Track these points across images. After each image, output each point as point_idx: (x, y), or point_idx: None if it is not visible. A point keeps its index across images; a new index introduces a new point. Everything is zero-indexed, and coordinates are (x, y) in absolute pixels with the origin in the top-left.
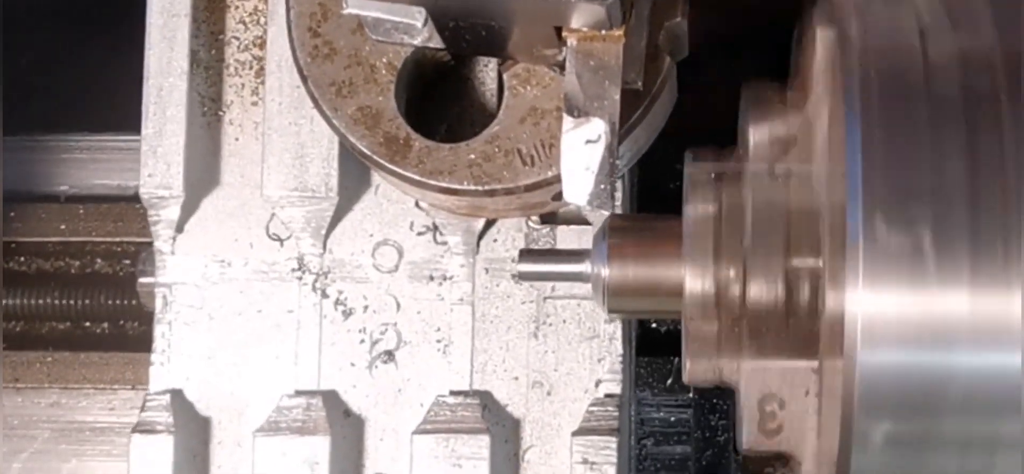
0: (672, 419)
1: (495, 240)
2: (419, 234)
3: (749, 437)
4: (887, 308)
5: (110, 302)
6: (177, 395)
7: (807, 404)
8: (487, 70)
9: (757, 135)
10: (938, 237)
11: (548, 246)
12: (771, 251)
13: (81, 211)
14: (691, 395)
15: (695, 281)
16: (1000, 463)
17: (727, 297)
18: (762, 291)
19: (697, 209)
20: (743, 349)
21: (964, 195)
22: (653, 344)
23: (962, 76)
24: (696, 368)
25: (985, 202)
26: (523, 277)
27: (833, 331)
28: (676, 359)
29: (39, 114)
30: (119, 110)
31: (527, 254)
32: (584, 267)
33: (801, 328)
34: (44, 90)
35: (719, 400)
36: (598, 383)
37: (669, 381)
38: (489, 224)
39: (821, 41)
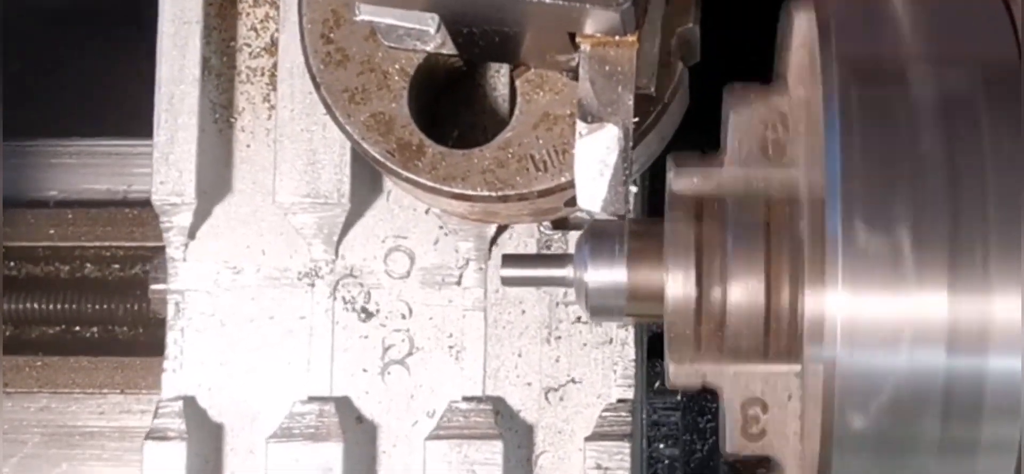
0: (660, 421)
1: (507, 246)
2: (432, 241)
3: (732, 442)
4: (866, 310)
5: (99, 306)
6: (190, 402)
7: (789, 408)
8: (499, 76)
9: (739, 138)
10: (917, 238)
11: (561, 251)
12: (751, 254)
13: (70, 216)
14: (679, 397)
15: (676, 285)
16: (981, 465)
17: (708, 301)
18: (743, 294)
19: (679, 213)
20: (725, 353)
21: (943, 196)
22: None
23: (941, 77)
24: (679, 372)
25: (964, 203)
26: (506, 282)
27: (813, 333)
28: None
29: (28, 119)
30: (109, 115)
31: (510, 259)
32: (566, 271)
33: (783, 331)
34: (34, 95)
35: (708, 401)
36: (611, 386)
37: (658, 383)
38: (501, 230)
39: (799, 41)
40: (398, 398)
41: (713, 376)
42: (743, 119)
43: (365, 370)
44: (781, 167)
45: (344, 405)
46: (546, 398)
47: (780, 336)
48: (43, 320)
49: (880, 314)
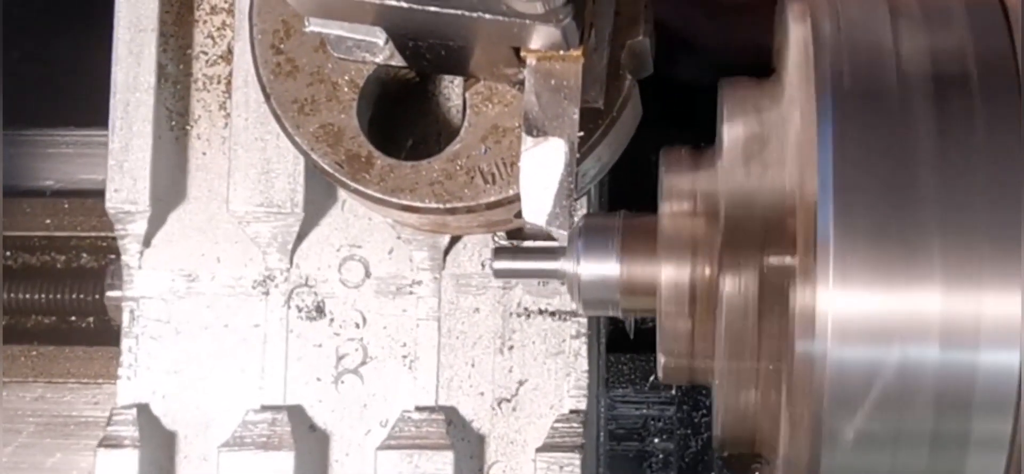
0: (654, 415)
1: (461, 256)
2: (387, 250)
3: (724, 437)
4: (857, 305)
5: (95, 296)
6: (143, 409)
7: (780, 403)
8: (452, 86)
9: (733, 132)
10: (909, 234)
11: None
12: (745, 249)
13: (66, 206)
14: (673, 392)
15: (669, 279)
16: (971, 461)
17: (701, 295)
18: (736, 289)
19: (672, 207)
20: (717, 348)
21: (935, 191)
22: (636, 340)
23: (934, 73)
24: (670, 366)
25: (956, 198)
26: (498, 274)
27: (804, 328)
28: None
29: (25, 109)
30: (106, 105)
31: (502, 252)
32: (559, 265)
33: (775, 326)
34: (31, 85)
35: (702, 396)
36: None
37: (652, 378)
38: (455, 240)
39: (794, 38)
40: (351, 407)
41: (705, 371)
42: (737, 114)
43: (319, 379)
44: (775, 163)
45: (297, 414)
46: (499, 408)
47: (772, 330)
48: (39, 310)
49: (872, 309)
